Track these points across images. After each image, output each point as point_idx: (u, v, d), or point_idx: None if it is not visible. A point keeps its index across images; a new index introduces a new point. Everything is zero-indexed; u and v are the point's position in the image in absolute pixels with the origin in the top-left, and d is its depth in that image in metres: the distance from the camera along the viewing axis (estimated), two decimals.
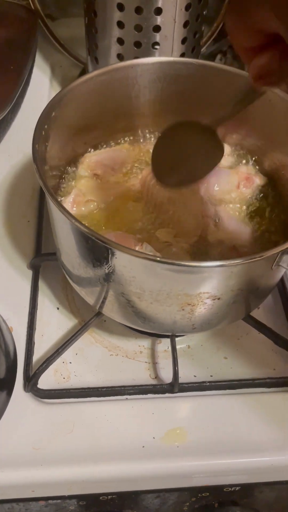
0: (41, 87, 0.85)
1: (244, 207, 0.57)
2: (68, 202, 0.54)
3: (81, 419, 0.49)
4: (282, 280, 0.60)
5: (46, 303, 0.59)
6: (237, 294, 0.45)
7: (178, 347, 0.54)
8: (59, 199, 0.55)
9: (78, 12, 0.74)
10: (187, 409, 0.51)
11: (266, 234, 0.54)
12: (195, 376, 0.53)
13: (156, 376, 0.53)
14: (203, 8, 0.68)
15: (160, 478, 0.49)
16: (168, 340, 0.54)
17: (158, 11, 0.64)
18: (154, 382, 0.53)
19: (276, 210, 0.56)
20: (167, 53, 0.69)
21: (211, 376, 0.53)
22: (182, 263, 0.39)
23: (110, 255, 0.41)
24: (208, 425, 0.49)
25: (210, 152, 0.46)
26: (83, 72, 0.85)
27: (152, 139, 0.63)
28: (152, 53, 0.68)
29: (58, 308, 0.58)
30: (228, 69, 0.56)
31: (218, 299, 0.44)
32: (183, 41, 0.69)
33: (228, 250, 0.52)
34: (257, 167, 0.60)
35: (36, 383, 0.51)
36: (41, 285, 0.60)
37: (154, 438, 0.48)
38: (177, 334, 0.54)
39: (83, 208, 0.54)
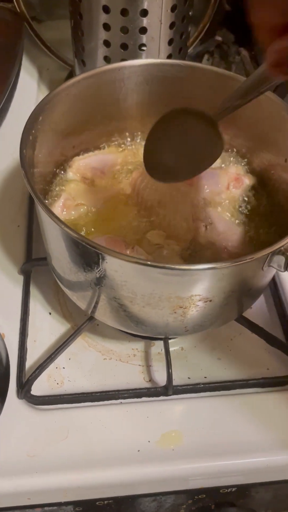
0: (28, 91, 0.84)
1: (235, 207, 0.57)
2: (57, 207, 0.54)
3: (75, 425, 0.49)
4: (273, 280, 0.61)
5: (38, 308, 0.58)
6: (229, 296, 0.45)
7: (171, 349, 0.53)
8: (48, 203, 0.55)
9: (64, 14, 0.73)
10: (182, 412, 0.51)
11: (257, 235, 0.54)
12: (189, 378, 0.53)
13: (150, 379, 0.53)
14: (189, 9, 0.69)
15: (156, 481, 0.48)
16: (161, 343, 0.54)
17: (144, 12, 0.64)
18: (148, 385, 0.53)
19: (266, 210, 0.56)
20: (154, 55, 0.69)
21: (205, 377, 0.53)
22: (173, 266, 0.39)
23: (100, 260, 0.41)
24: (203, 427, 0.49)
25: (209, 146, 0.44)
26: (71, 74, 0.84)
27: (141, 141, 0.62)
28: (139, 55, 0.68)
29: (50, 313, 0.58)
30: (215, 70, 0.56)
31: (210, 301, 0.44)
32: (170, 42, 0.69)
33: (219, 251, 0.52)
34: (246, 167, 0.60)
35: (30, 389, 0.50)
36: (33, 290, 0.59)
37: (149, 441, 0.48)
38: (170, 337, 0.54)
39: (73, 212, 0.54)
